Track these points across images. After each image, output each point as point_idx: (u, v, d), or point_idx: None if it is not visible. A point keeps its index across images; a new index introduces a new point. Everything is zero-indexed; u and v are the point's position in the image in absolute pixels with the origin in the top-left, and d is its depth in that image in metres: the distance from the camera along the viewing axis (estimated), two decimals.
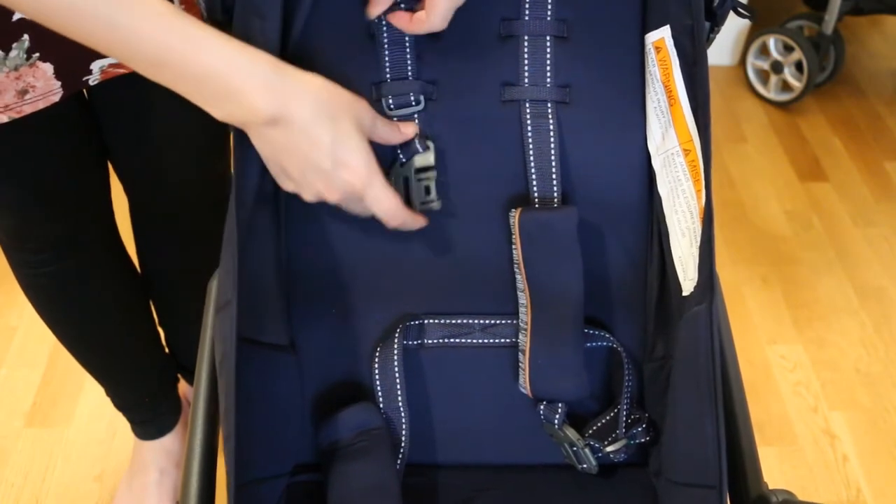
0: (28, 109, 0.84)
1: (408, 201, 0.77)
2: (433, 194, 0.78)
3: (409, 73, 0.75)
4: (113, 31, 0.59)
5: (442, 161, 0.78)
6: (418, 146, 0.76)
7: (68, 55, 0.82)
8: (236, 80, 0.62)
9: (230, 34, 0.68)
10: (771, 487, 0.74)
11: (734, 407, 0.78)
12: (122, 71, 0.86)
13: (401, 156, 0.77)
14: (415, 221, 0.75)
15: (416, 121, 0.77)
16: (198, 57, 0.61)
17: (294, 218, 0.79)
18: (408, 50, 0.75)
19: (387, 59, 0.75)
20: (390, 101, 0.76)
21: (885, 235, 1.93)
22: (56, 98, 0.84)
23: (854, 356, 1.65)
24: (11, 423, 1.46)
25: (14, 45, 0.79)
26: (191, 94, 0.63)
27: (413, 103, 0.76)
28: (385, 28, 0.75)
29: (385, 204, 0.71)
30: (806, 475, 1.44)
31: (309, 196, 0.70)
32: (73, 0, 0.58)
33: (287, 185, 0.70)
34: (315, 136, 0.65)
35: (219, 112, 0.64)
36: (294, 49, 0.73)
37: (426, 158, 0.77)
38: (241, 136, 0.70)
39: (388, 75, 0.76)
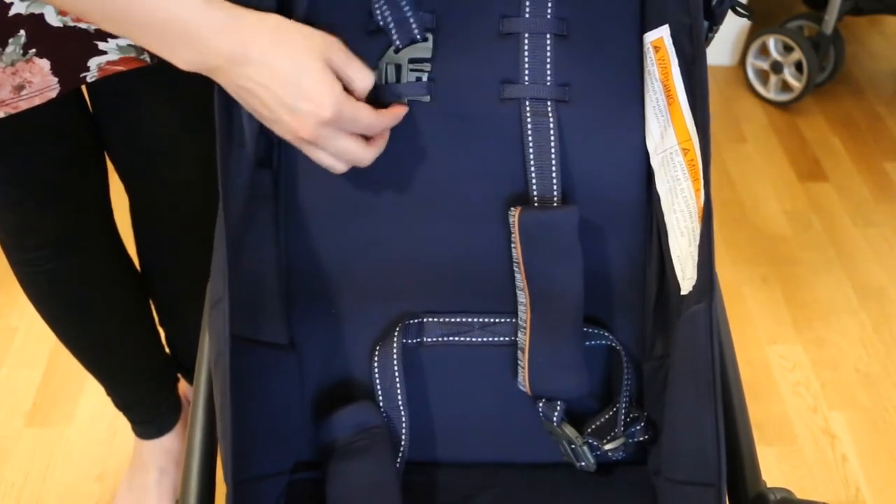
0: (24, 105, 0.84)
1: (397, 80, 0.76)
2: (424, 89, 0.76)
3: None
4: None
5: (441, 158, 0.78)
6: (416, 34, 0.74)
7: (65, 52, 0.82)
8: (193, 25, 0.63)
9: None
10: (770, 486, 0.74)
11: (733, 406, 0.78)
12: (120, 68, 0.86)
13: (396, 41, 0.75)
14: (394, 118, 0.73)
15: (410, 17, 0.74)
16: (157, 6, 0.62)
17: (294, 217, 0.79)
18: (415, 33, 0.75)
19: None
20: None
21: (884, 235, 1.93)
22: (53, 94, 0.84)
23: (853, 356, 1.65)
24: (12, 423, 1.46)
25: (10, 40, 0.79)
26: (155, 46, 0.65)
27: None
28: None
29: (362, 122, 0.70)
30: (805, 475, 1.44)
31: (286, 134, 0.69)
32: None
33: (269, 126, 0.70)
34: (274, 69, 0.65)
35: (183, 61, 0.65)
36: None
37: (423, 49, 0.76)
38: (227, 138, 0.70)
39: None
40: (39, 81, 0.83)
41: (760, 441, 0.77)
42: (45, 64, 0.82)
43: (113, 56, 0.84)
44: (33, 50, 0.81)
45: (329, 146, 0.70)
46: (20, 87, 0.82)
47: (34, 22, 0.79)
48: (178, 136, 0.99)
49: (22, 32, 0.79)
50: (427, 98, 0.76)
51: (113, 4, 0.63)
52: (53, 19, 0.79)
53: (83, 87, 0.96)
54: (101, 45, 0.83)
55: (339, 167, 0.72)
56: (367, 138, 0.72)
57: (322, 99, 0.66)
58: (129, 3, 0.62)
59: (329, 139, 0.69)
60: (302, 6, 0.73)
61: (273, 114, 0.67)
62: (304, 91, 0.66)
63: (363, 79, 0.70)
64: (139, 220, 1.13)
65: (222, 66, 0.65)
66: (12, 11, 0.78)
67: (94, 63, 0.84)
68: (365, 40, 0.75)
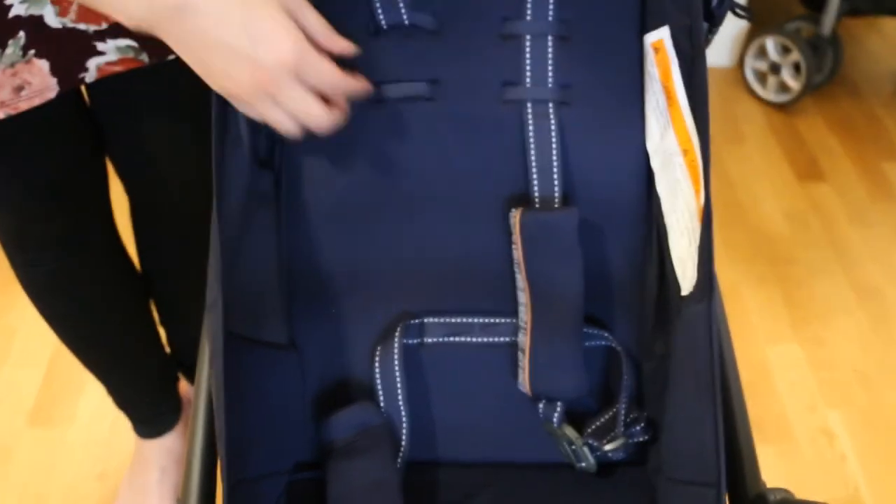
0: (24, 106, 0.84)
1: None
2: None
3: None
4: None
5: (443, 160, 0.78)
6: (403, 17, 0.71)
7: (64, 52, 0.82)
8: None
9: None
10: (769, 486, 0.74)
11: (733, 406, 0.78)
12: (118, 69, 0.86)
13: (381, 20, 0.72)
14: (359, 86, 0.70)
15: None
16: None
17: (294, 217, 0.79)
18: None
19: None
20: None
21: (882, 235, 1.93)
22: (52, 95, 0.85)
23: (852, 355, 1.65)
24: (14, 423, 1.46)
25: (10, 41, 0.79)
26: (103, 6, 0.61)
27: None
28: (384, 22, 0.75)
29: (325, 74, 0.65)
30: (804, 474, 1.44)
31: (244, 89, 0.64)
32: None
33: (226, 86, 0.65)
34: (224, 15, 0.60)
35: (129, 19, 0.61)
36: None
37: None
38: (222, 138, 0.70)
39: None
40: (39, 82, 0.83)
41: (759, 440, 0.77)
42: (44, 65, 0.82)
43: (111, 57, 0.84)
44: (32, 51, 0.81)
45: (287, 98, 0.65)
46: (20, 88, 0.83)
47: (33, 23, 0.79)
48: (178, 136, 1.00)
49: (21, 34, 0.79)
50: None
51: None
52: (52, 20, 0.80)
53: (82, 88, 0.96)
54: (100, 46, 0.83)
55: (292, 127, 0.67)
56: (326, 102, 0.67)
57: (281, 42, 0.62)
58: None
59: (288, 89, 0.64)
60: None
61: (230, 73, 0.63)
62: (261, 35, 0.61)
63: (320, 25, 0.66)
64: (139, 220, 1.14)
65: (168, 18, 0.60)
66: (12, 13, 0.78)
67: (92, 64, 0.85)
68: (367, 41, 0.75)
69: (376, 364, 0.82)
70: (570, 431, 0.82)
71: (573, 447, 0.83)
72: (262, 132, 0.74)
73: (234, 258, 0.74)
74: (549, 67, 0.77)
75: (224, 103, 0.69)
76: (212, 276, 0.73)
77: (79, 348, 1.19)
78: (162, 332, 1.28)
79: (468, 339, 0.83)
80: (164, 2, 0.60)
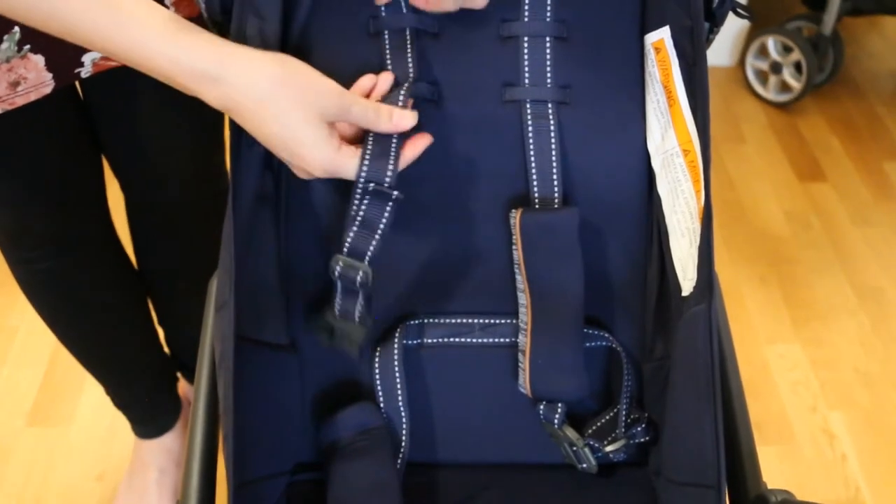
0: (20, 101, 0.84)
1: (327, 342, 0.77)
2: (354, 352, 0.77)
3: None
4: (49, 17, 0.61)
5: (443, 161, 0.78)
6: (356, 315, 0.74)
7: (59, 47, 0.82)
8: (186, 81, 0.64)
9: (227, 36, 0.68)
10: (770, 487, 0.74)
11: (733, 407, 0.78)
12: (114, 64, 0.86)
13: (337, 309, 0.74)
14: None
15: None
16: (150, 60, 0.63)
17: (294, 218, 0.79)
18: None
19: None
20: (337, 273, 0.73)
21: (883, 235, 1.93)
22: (48, 90, 0.85)
23: (852, 356, 1.65)
24: (13, 423, 1.46)
25: (5, 37, 0.79)
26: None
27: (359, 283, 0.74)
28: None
29: (351, 174, 0.70)
30: (805, 474, 1.44)
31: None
32: None
33: None
34: (265, 127, 0.66)
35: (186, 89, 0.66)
36: (292, 50, 0.74)
37: (360, 328, 0.75)
38: (238, 138, 0.70)
39: (363, 170, 0.73)
40: (34, 77, 0.83)
41: (760, 441, 0.77)
42: (39, 60, 0.82)
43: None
44: (28, 46, 0.81)
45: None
46: (15, 84, 0.83)
47: None
48: (174, 133, 0.99)
49: (16, 29, 0.79)
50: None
51: (82, 34, 0.62)
52: None
53: (78, 84, 0.96)
54: None
55: None
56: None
57: (311, 162, 0.67)
58: (103, 40, 0.62)
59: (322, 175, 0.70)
60: (303, 9, 0.73)
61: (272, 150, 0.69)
62: (294, 152, 0.67)
63: (369, 115, 0.69)
64: (135, 217, 1.13)
65: (214, 103, 0.65)
66: None
67: (88, 59, 0.85)
68: (366, 41, 0.75)
69: (376, 365, 0.82)
70: (570, 432, 0.82)
71: (574, 448, 0.82)
72: None
73: (240, 259, 0.74)
74: (548, 68, 0.77)
75: None
76: (223, 277, 0.73)
77: (76, 347, 1.18)
78: (161, 331, 1.28)
79: (468, 339, 0.83)
80: (213, 104, 0.65)
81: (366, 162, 0.69)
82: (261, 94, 0.64)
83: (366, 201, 0.70)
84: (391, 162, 0.70)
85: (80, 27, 0.62)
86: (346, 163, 0.69)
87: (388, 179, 0.69)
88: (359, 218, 0.70)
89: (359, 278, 0.71)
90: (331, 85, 0.67)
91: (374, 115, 0.69)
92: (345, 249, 0.71)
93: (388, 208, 0.70)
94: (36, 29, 0.79)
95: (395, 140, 0.70)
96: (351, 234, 0.71)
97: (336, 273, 0.71)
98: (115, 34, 0.62)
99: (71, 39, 0.63)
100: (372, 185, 0.69)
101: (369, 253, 0.71)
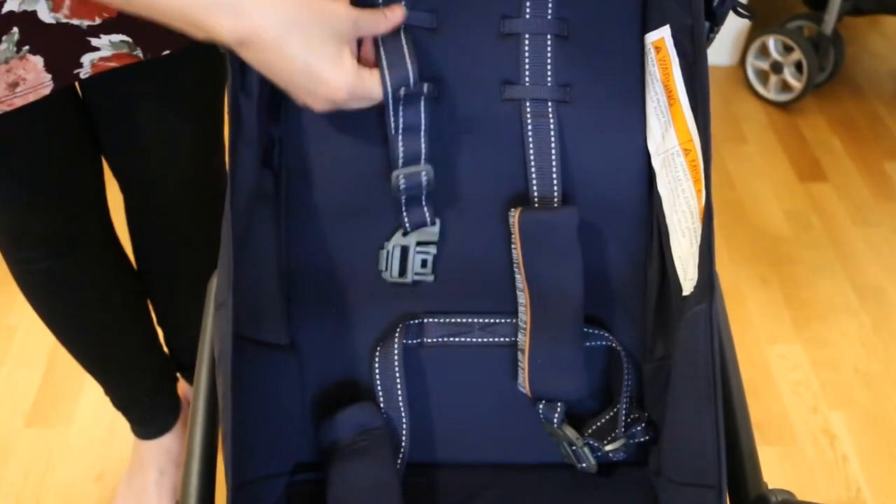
0: (19, 102, 0.84)
1: (402, 270, 0.80)
2: (429, 268, 0.80)
3: (422, 159, 0.75)
4: None
5: (441, 159, 0.78)
6: (427, 219, 0.77)
7: (58, 48, 0.82)
8: (198, 14, 0.62)
9: None
10: (770, 487, 0.74)
11: (734, 407, 0.78)
12: (113, 65, 0.86)
13: (406, 224, 0.77)
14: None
15: (423, 201, 0.77)
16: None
17: (294, 217, 0.79)
18: (422, 135, 0.76)
19: (401, 148, 0.75)
20: (401, 185, 0.75)
21: (884, 236, 1.93)
22: (46, 91, 0.84)
23: (853, 356, 1.65)
24: (12, 423, 1.46)
25: (4, 37, 0.79)
26: (168, 25, 0.64)
27: (424, 187, 0.76)
28: (401, 115, 0.75)
29: (374, 98, 0.71)
30: (806, 475, 1.44)
31: (312, 105, 0.70)
32: None
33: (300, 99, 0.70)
34: (287, 55, 0.64)
35: (198, 38, 0.64)
36: None
37: (431, 232, 0.79)
38: (235, 135, 0.70)
39: (400, 163, 0.75)
40: (33, 78, 0.83)
41: (760, 441, 0.77)
42: (38, 61, 0.82)
43: (106, 52, 0.84)
44: (27, 47, 0.81)
45: (347, 105, 0.71)
46: (14, 85, 0.82)
47: (27, 19, 0.79)
48: (173, 133, 0.99)
49: (15, 29, 0.79)
50: (430, 279, 0.81)
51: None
52: (46, 16, 0.79)
53: (77, 85, 0.96)
54: (94, 42, 0.83)
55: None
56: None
57: (336, 83, 0.66)
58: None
59: (346, 104, 0.70)
60: None
61: (290, 88, 0.68)
62: (318, 76, 0.66)
63: (373, 22, 0.70)
64: (134, 218, 1.13)
65: (235, 48, 0.64)
66: (5, 9, 0.78)
67: (87, 59, 0.84)
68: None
69: (376, 365, 0.82)
70: (570, 432, 0.82)
71: (574, 448, 0.82)
72: (265, 132, 0.73)
73: (238, 259, 0.73)
74: (548, 66, 0.76)
75: (237, 102, 0.69)
76: (222, 276, 0.72)
77: (75, 347, 1.18)
78: (160, 332, 1.28)
79: (468, 339, 0.83)
80: (228, 39, 0.63)
81: (386, 72, 0.70)
82: (282, 20, 0.63)
83: (401, 109, 0.73)
84: (408, 61, 0.71)
85: None
86: (369, 81, 0.69)
87: (411, 77, 0.71)
88: (400, 127, 0.73)
89: (423, 180, 0.75)
90: (341, 5, 0.67)
91: (375, 21, 0.70)
92: (399, 161, 0.74)
93: (422, 106, 0.74)
94: (35, 30, 0.79)
95: (403, 40, 0.72)
96: (400, 145, 0.74)
97: (401, 186, 0.75)
98: None
99: None
100: (402, 89, 0.71)
101: (423, 153, 0.75)
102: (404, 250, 0.79)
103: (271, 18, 0.63)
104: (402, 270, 0.80)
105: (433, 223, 0.78)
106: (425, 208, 0.77)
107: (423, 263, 0.80)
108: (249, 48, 0.64)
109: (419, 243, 0.79)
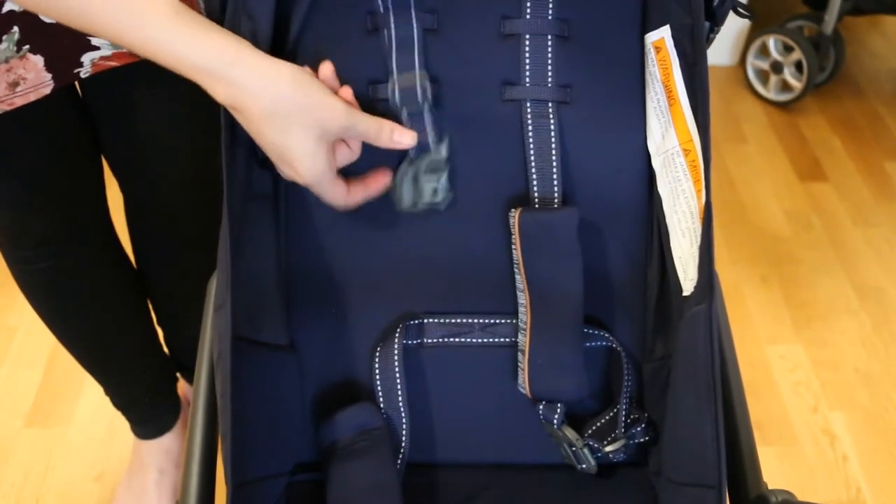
0: (19, 102, 0.84)
1: (414, 201, 0.77)
2: (440, 196, 0.77)
3: (416, 67, 0.75)
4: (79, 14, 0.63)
5: None
6: (430, 142, 0.76)
7: (59, 47, 0.82)
8: (198, 76, 0.65)
9: None
10: (770, 487, 0.74)
11: (734, 407, 0.78)
12: (113, 64, 0.86)
13: (410, 151, 0.76)
14: (369, 194, 0.76)
15: (425, 120, 0.76)
16: (164, 53, 0.64)
17: (294, 218, 0.79)
18: (416, 44, 0.75)
19: (395, 56, 0.75)
20: (397, 97, 0.75)
21: (884, 236, 1.93)
22: (47, 90, 0.85)
23: (853, 356, 1.65)
24: (12, 423, 1.46)
25: (4, 37, 0.79)
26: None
27: (420, 99, 0.75)
28: (393, 24, 0.75)
29: (329, 197, 0.73)
30: (806, 475, 1.44)
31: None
32: None
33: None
34: (265, 132, 0.67)
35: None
36: (292, 48, 0.73)
37: (438, 154, 0.77)
38: (231, 137, 0.70)
39: (394, 71, 0.75)
40: (33, 77, 0.83)
41: (760, 441, 0.77)
42: (38, 60, 0.82)
43: (106, 51, 0.84)
44: (27, 46, 0.81)
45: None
46: (15, 84, 0.83)
47: (27, 18, 0.79)
48: (173, 133, 0.99)
49: (15, 29, 0.79)
50: (443, 207, 0.78)
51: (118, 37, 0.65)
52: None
53: (77, 85, 0.96)
54: (94, 41, 0.83)
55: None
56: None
57: (302, 173, 0.69)
58: (141, 42, 0.64)
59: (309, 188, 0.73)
60: (302, 8, 0.73)
61: (271, 157, 0.70)
62: (288, 161, 0.69)
63: (373, 129, 0.72)
64: (134, 218, 1.13)
65: (228, 105, 0.67)
66: (5, 8, 0.78)
67: (87, 58, 0.85)
68: (365, 40, 0.75)
69: (376, 365, 0.82)
70: (570, 433, 0.82)
71: (573, 448, 0.82)
72: None
73: (236, 259, 0.73)
74: (549, 67, 0.76)
75: None
76: (221, 277, 0.72)
77: (76, 347, 1.18)
78: (160, 332, 1.28)
79: (468, 339, 0.83)
80: (220, 100, 0.66)
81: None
82: (269, 105, 0.65)
83: (392, 24, 0.74)
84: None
85: (77, 7, 0.62)
86: (333, 188, 0.72)
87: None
88: (393, 42, 0.74)
89: (418, 87, 0.74)
90: (338, 105, 0.69)
91: (376, 132, 0.72)
92: (393, 72, 0.74)
93: (415, 24, 0.74)
94: (35, 29, 0.79)
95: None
96: (393, 58, 0.74)
97: (397, 97, 0.74)
98: (113, 16, 0.63)
99: (68, 23, 0.63)
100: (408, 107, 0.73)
101: (416, 62, 0.74)
102: (414, 177, 0.77)
103: (262, 97, 0.65)
104: (413, 200, 0.78)
105: (437, 143, 0.76)
106: (428, 126, 0.76)
107: (434, 192, 0.78)
108: (237, 113, 0.67)
109: (427, 169, 0.77)
